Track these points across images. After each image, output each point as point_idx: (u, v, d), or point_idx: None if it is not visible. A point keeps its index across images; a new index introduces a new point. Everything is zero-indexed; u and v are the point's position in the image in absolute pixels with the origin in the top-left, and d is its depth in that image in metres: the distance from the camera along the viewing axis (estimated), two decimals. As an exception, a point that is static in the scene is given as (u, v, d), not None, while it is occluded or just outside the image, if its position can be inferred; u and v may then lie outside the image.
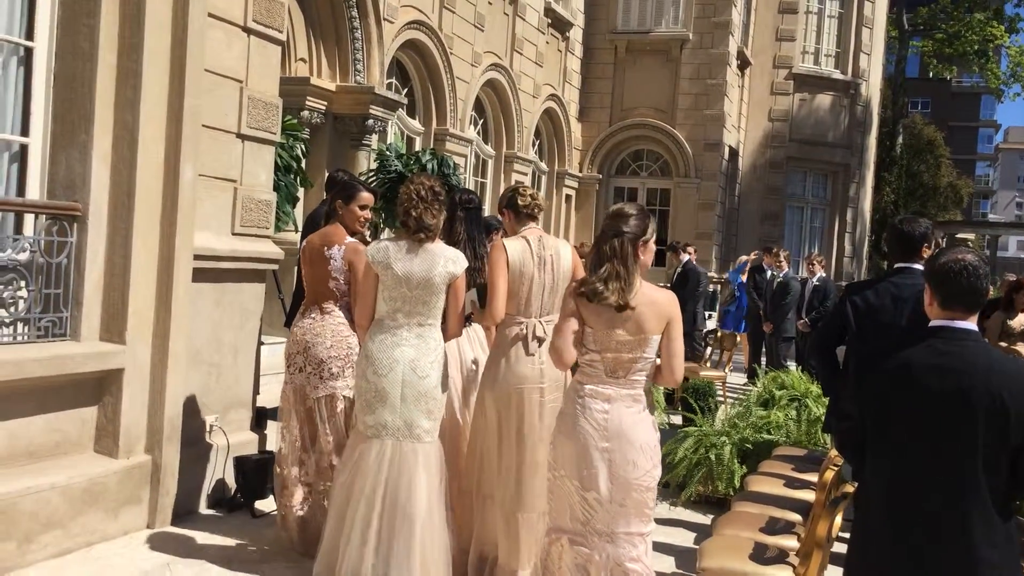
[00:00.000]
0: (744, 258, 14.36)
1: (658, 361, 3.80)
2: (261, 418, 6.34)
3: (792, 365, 11.21)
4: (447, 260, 4.26)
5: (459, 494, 4.67)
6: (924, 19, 34.57)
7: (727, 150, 20.22)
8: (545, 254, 4.44)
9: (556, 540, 3.83)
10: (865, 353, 4.15)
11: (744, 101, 21.94)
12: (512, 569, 4.39)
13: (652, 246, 3.80)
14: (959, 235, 33.21)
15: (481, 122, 16.26)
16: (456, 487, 4.65)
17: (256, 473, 5.65)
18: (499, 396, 4.38)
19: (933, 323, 3.09)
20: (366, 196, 5.13)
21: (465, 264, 4.36)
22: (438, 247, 4.29)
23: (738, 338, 11.48)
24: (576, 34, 19.31)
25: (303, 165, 8.41)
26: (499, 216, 4.85)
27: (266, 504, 5.66)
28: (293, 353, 4.98)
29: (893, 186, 32.39)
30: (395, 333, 4.22)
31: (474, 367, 4.86)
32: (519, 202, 4.57)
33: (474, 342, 4.95)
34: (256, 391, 6.31)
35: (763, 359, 12.42)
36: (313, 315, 4.97)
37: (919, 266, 4.62)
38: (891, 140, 32.67)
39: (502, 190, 16.02)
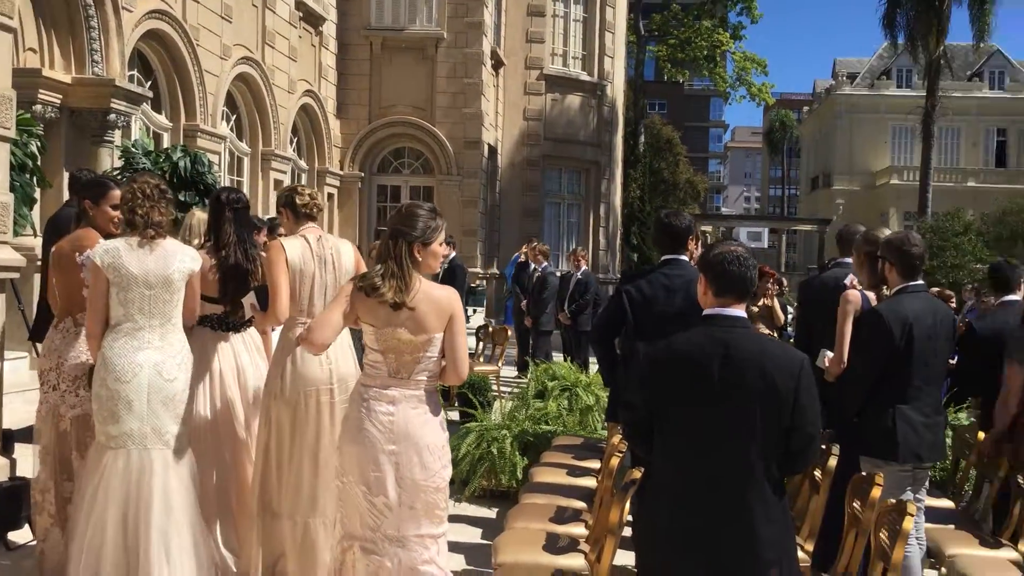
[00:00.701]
0: (518, 253, 14.68)
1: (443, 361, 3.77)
2: (8, 441, 5.73)
3: (559, 357, 11.55)
4: (183, 256, 4.15)
5: (241, 511, 4.44)
6: (658, 25, 36.87)
7: (487, 148, 20.59)
8: (325, 253, 4.34)
9: (349, 548, 3.75)
10: (644, 342, 4.30)
11: (500, 100, 22.42)
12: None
13: (437, 248, 3.75)
14: (699, 227, 35.75)
15: (234, 118, 15.61)
16: (240, 504, 4.42)
17: (8, 502, 5.10)
18: (289, 401, 4.23)
19: (707, 311, 3.23)
20: (118, 194, 4.71)
21: (200, 261, 4.26)
22: (171, 244, 4.16)
23: (508, 332, 11.72)
24: (330, 29, 18.95)
25: (39, 163, 7.71)
26: (261, 218, 4.67)
27: (23, 535, 5.13)
28: (46, 370, 4.53)
29: (639, 182, 34.30)
30: (136, 336, 4.03)
31: (252, 375, 4.63)
32: (298, 201, 4.45)
33: (251, 349, 4.72)
34: (-2, 412, 5.69)
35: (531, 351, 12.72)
36: (66, 327, 4.54)
37: (686, 257, 4.86)
38: (634, 139, 34.55)
39: (260, 189, 15.72)
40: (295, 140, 18.03)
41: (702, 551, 3.08)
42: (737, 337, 3.14)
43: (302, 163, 18.33)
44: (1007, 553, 4.51)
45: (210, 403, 4.56)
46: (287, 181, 16.57)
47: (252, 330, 4.76)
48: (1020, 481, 4.77)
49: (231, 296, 4.63)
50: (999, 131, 46.34)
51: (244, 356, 4.68)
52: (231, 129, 15.37)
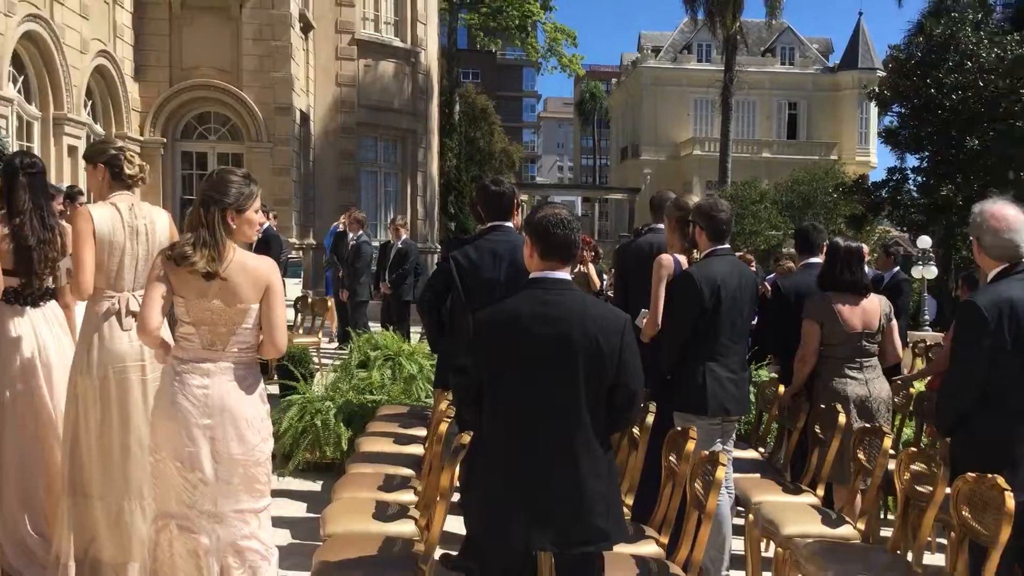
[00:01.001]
0: (337, 223, 14.41)
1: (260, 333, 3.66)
2: None
3: (377, 327, 11.46)
4: None
5: (50, 494, 4.18)
6: (470, -8, 36.86)
7: (299, 114, 20.00)
8: (138, 223, 4.10)
9: (164, 527, 3.62)
10: (474, 308, 4.32)
11: (311, 65, 21.78)
12: (121, 563, 4.05)
13: (252, 216, 3.64)
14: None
15: (22, 79, 14.46)
16: (48, 486, 4.16)
17: None
18: (96, 378, 4.00)
19: (534, 274, 3.29)
20: None
21: None
22: None
23: (329, 302, 11.51)
24: (126, -14, 17.82)
25: None
26: (57, 185, 4.35)
27: None
28: None
29: (455, 151, 34.32)
30: None
31: (55, 351, 4.34)
32: (126, 170, 4.17)
33: (52, 324, 4.41)
34: None
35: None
36: None
37: (511, 224, 4.91)
38: (449, 108, 34.53)
39: (52, 155, 14.67)
40: (90, 104, 16.92)
41: (532, 508, 3.15)
42: (563, 299, 3.21)
43: (98, 128, 17.24)
44: (807, 498, 4.85)
45: (9, 382, 4.24)
46: (82, 147, 15.53)
47: (53, 303, 4.45)
48: (816, 432, 5.14)
49: (26, 267, 4.31)
50: (790, 104, 49.38)
51: (44, 331, 4.37)
52: (19, 91, 14.25)
